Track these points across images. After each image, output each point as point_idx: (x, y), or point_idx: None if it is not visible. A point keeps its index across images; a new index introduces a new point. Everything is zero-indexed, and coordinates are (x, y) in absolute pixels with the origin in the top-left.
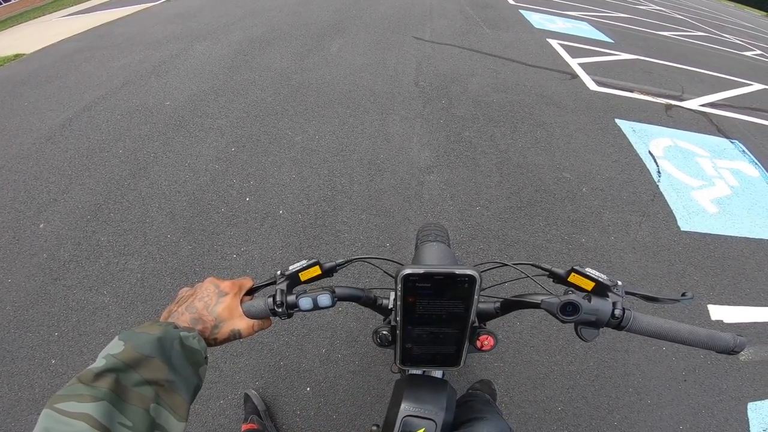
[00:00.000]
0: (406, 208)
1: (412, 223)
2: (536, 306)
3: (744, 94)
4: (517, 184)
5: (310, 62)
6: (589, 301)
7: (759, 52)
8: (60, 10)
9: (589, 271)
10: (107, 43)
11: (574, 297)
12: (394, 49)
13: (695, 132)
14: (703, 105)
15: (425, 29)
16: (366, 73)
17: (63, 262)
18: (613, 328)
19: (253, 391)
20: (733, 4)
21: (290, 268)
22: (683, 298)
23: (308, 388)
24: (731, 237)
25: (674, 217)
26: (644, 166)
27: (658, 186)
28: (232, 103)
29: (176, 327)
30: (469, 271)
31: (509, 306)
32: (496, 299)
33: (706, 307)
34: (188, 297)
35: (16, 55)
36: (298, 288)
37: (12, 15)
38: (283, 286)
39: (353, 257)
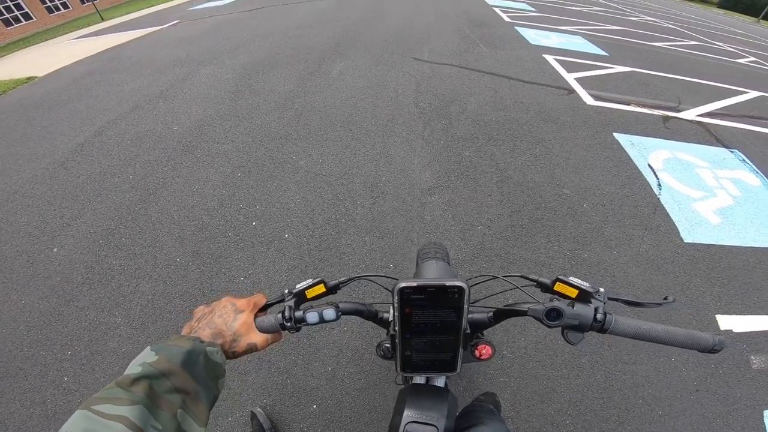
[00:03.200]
0: (409, 229)
1: (414, 244)
2: (524, 314)
3: (741, 102)
4: (518, 203)
5: (312, 85)
6: (573, 307)
7: (753, 59)
8: (71, 32)
9: (573, 279)
10: (117, 66)
11: (558, 304)
12: (393, 71)
13: (694, 143)
14: (700, 115)
15: (423, 50)
16: (367, 95)
17: (76, 285)
18: (597, 331)
19: (259, 409)
20: (723, 11)
21: (297, 286)
22: (665, 301)
23: (315, 406)
24: (736, 247)
25: (677, 229)
26: (644, 179)
27: (659, 199)
28: (237, 128)
29: (202, 341)
30: (458, 283)
31: (500, 315)
32: (488, 309)
33: (714, 317)
34: (207, 314)
35: (29, 78)
36: (305, 304)
37: (24, 36)
38: (291, 302)
39: (355, 275)
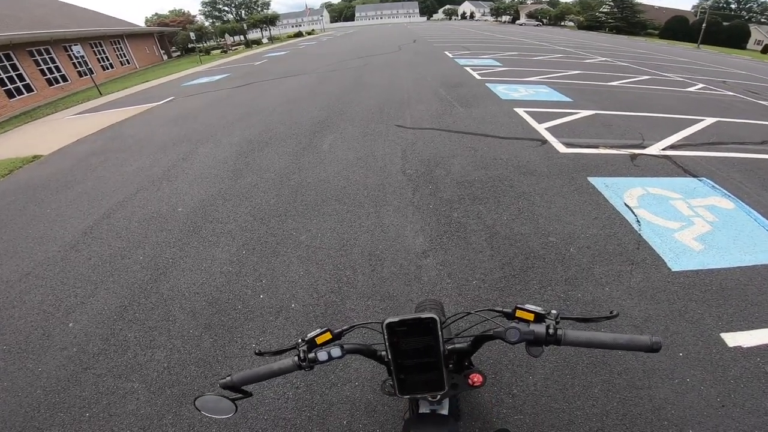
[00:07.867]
0: (408, 291)
1: (414, 303)
2: (492, 338)
3: (699, 130)
4: (508, 255)
5: (306, 161)
6: (528, 326)
7: (701, 85)
8: (71, 106)
9: (529, 306)
10: (119, 145)
11: (515, 325)
12: (379, 140)
13: (663, 176)
14: (664, 149)
15: (405, 116)
16: (357, 167)
17: (92, 355)
18: (552, 343)
19: None
20: (666, 42)
21: (308, 335)
22: (611, 315)
23: None
24: (724, 269)
25: (663, 260)
26: (623, 218)
27: (640, 234)
28: (238, 208)
29: None
30: (430, 315)
31: (477, 342)
32: (467, 339)
33: (720, 336)
34: None
35: (35, 157)
36: (316, 348)
37: (26, 109)
38: (305, 347)
39: (355, 323)
